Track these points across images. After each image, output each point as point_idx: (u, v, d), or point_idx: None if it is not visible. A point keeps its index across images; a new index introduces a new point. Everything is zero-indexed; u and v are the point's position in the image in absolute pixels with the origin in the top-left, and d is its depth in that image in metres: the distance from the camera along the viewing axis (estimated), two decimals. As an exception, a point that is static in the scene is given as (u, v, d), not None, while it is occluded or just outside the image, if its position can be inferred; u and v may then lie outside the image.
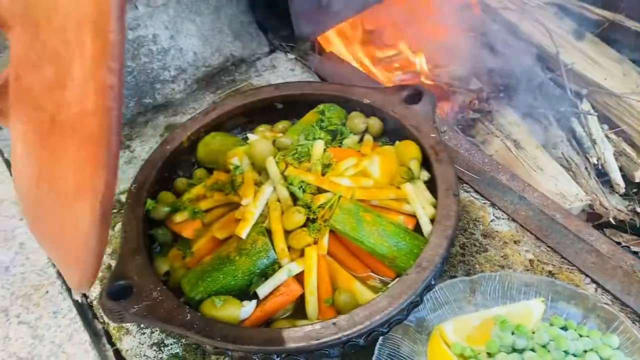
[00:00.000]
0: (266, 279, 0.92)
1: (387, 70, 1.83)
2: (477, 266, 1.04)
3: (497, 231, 1.10)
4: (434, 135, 1.03)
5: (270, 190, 1.00)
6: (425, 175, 1.04)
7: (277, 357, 0.82)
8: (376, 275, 0.95)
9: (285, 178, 1.01)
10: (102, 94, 0.50)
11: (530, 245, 1.08)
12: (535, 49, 1.85)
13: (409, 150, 1.04)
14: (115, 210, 1.24)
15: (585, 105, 1.74)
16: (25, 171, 0.68)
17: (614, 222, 1.49)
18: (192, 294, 0.90)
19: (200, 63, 1.51)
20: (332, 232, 0.96)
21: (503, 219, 1.12)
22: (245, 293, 0.92)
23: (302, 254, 0.94)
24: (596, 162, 1.63)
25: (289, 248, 0.95)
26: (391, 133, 1.13)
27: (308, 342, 0.80)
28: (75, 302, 1.17)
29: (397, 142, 1.09)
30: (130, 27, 1.39)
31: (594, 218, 1.51)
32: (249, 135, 1.18)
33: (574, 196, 1.48)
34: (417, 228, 0.98)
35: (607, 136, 1.68)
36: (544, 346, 0.83)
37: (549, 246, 1.07)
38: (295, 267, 0.92)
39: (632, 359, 0.83)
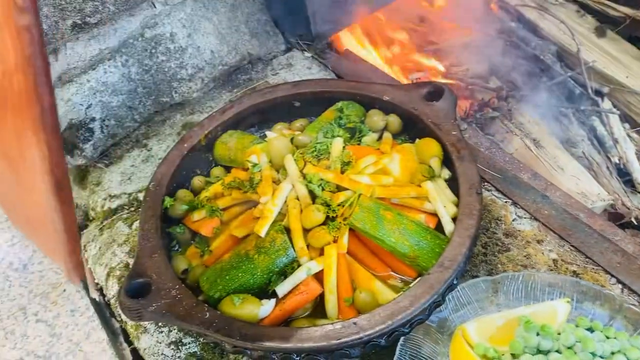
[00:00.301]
0: (285, 277, 0.91)
1: (404, 69, 1.81)
2: (499, 266, 1.02)
3: (519, 230, 1.08)
4: (455, 132, 1.02)
5: (289, 188, 0.99)
6: (446, 173, 1.02)
7: (297, 356, 0.81)
8: (397, 275, 0.94)
9: (304, 176, 1.00)
10: (19, 40, 0.43)
11: (553, 245, 1.05)
12: (555, 47, 1.82)
13: (430, 148, 1.03)
14: (133, 209, 1.24)
15: (606, 104, 1.71)
16: None
17: (635, 223, 1.46)
18: (210, 292, 0.89)
19: (217, 61, 1.51)
20: (352, 231, 0.94)
21: (525, 218, 1.10)
22: (263, 292, 0.91)
23: (321, 252, 0.93)
24: (618, 162, 1.60)
25: (308, 246, 0.94)
26: (411, 130, 1.11)
27: (328, 342, 0.78)
28: (93, 301, 1.17)
29: (417, 140, 1.08)
30: (148, 25, 1.38)
31: (615, 218, 1.48)
32: (266, 133, 1.17)
33: (596, 196, 1.45)
34: (438, 227, 0.96)
35: (628, 135, 1.65)
36: (570, 348, 0.81)
37: (572, 246, 1.05)
38: (314, 266, 0.91)
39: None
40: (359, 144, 1.09)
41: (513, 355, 0.82)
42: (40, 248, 0.71)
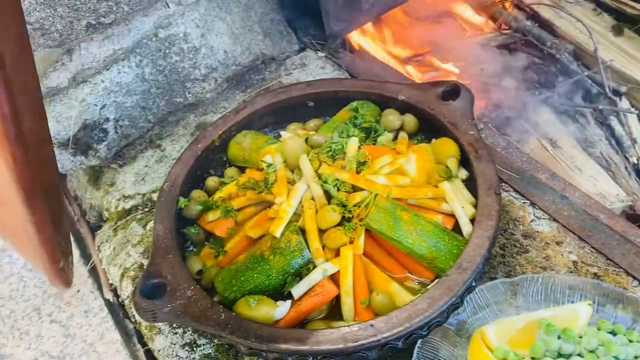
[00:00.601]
0: (301, 278, 0.90)
1: (418, 68, 1.80)
2: (517, 267, 1.01)
3: (538, 231, 1.06)
4: (472, 132, 1.00)
5: (304, 189, 0.98)
6: (463, 173, 1.01)
7: (313, 359, 0.80)
8: (414, 277, 0.93)
9: (319, 176, 0.99)
10: None
11: (573, 246, 1.03)
12: (572, 46, 1.80)
13: (447, 148, 1.01)
14: (147, 209, 1.24)
15: (624, 103, 1.68)
16: None
17: (656, 224, 1.44)
18: (225, 293, 0.89)
19: (231, 62, 1.50)
20: (368, 232, 0.93)
21: (544, 219, 1.08)
22: (279, 293, 0.91)
23: (337, 253, 0.92)
24: (636, 162, 1.57)
25: (324, 247, 0.93)
26: (427, 130, 1.10)
27: (345, 344, 0.77)
28: (107, 301, 1.17)
29: (433, 140, 1.06)
30: (162, 25, 1.38)
31: (634, 219, 1.45)
32: (281, 133, 1.16)
33: (615, 197, 1.43)
34: (455, 228, 0.95)
35: (647, 135, 1.63)
36: (592, 351, 0.79)
37: (593, 247, 1.03)
38: (330, 267, 0.90)
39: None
40: (374, 144, 1.08)
41: (533, 358, 0.80)
42: (22, 256, 0.69)
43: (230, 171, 1.12)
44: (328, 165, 1.01)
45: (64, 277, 0.66)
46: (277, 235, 0.92)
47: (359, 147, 1.04)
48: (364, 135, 1.08)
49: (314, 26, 1.64)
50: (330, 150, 1.03)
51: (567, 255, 1.02)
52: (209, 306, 0.83)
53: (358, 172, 1.00)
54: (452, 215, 0.96)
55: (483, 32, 1.88)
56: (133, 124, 1.40)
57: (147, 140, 1.41)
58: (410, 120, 1.10)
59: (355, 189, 0.98)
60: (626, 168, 1.56)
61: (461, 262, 0.83)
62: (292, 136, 1.08)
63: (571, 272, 0.99)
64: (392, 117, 1.10)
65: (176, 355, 0.98)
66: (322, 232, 0.94)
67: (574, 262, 1.01)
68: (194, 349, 0.99)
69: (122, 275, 1.13)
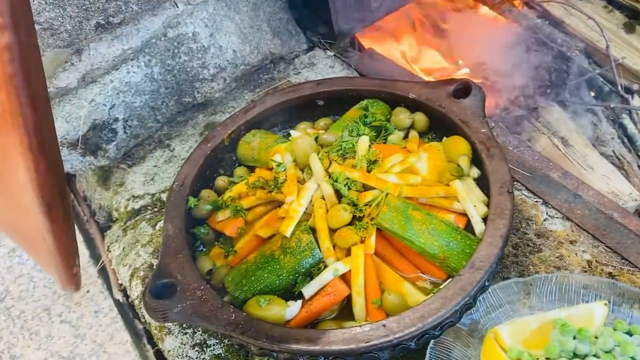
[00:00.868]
0: (311, 278, 0.89)
1: (427, 67, 1.79)
2: (531, 267, 0.99)
3: (551, 230, 1.05)
4: (484, 130, 0.99)
5: (315, 188, 0.97)
6: (475, 172, 0.99)
7: (324, 359, 0.79)
8: (426, 276, 0.92)
9: (329, 175, 0.98)
10: (0, 59, 0.41)
11: (587, 246, 1.02)
12: (583, 44, 1.78)
13: (458, 147, 1.00)
14: (156, 209, 1.24)
15: (636, 101, 1.66)
16: None
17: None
18: (236, 293, 0.88)
19: (240, 61, 1.50)
20: (379, 231, 0.92)
21: (557, 217, 1.07)
22: (289, 293, 0.90)
23: (348, 253, 0.91)
24: (650, 160, 1.56)
25: (335, 247, 0.92)
26: (438, 129, 1.09)
27: (357, 345, 0.76)
28: (116, 302, 1.16)
29: (444, 138, 1.05)
30: (171, 25, 1.38)
31: (647, 218, 1.44)
32: (290, 132, 1.15)
33: (628, 195, 1.41)
34: (467, 227, 0.94)
35: (660, 133, 1.61)
36: (608, 352, 0.78)
37: (607, 246, 1.01)
38: (341, 267, 0.89)
39: None
40: (384, 143, 1.07)
41: (548, 359, 0.79)
42: (35, 260, 0.69)
43: (239, 170, 1.12)
44: (338, 164, 1.00)
45: (76, 281, 0.66)
46: (288, 234, 0.91)
47: (370, 145, 1.03)
48: (374, 134, 1.08)
49: (323, 25, 1.63)
50: (341, 149, 1.02)
51: (581, 254, 1.01)
52: (220, 306, 0.82)
53: (369, 171, 0.99)
54: (464, 214, 0.95)
55: (494, 30, 1.86)
56: (142, 124, 1.40)
57: (156, 140, 1.41)
58: (420, 118, 1.09)
59: (366, 188, 0.97)
60: (639, 166, 1.54)
61: (474, 262, 0.82)
62: (301, 135, 1.08)
63: (585, 271, 0.98)
64: (402, 116, 1.09)
65: (186, 356, 0.98)
66: (332, 231, 0.93)
67: (588, 262, 0.99)
68: (204, 349, 0.98)
69: (132, 276, 1.13)
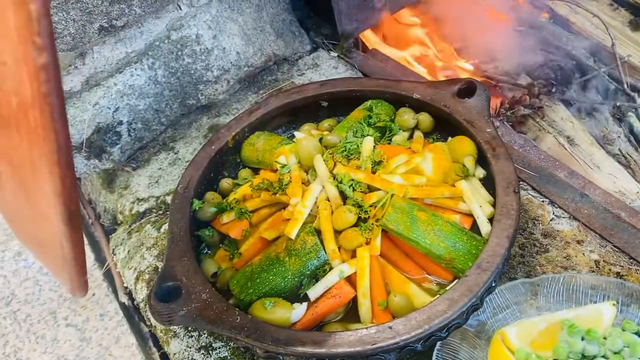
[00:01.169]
0: (317, 280, 0.89)
1: (431, 67, 1.78)
2: (537, 267, 0.99)
3: (558, 230, 1.04)
4: (489, 130, 0.99)
5: (319, 189, 0.97)
6: (480, 172, 0.99)
7: (331, 362, 0.79)
8: (432, 278, 0.91)
9: (334, 176, 0.98)
10: (36, 78, 0.43)
11: (594, 245, 1.01)
12: (588, 42, 1.77)
13: (463, 147, 1.00)
14: (161, 212, 1.23)
15: (643, 99, 1.65)
16: None
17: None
18: (241, 295, 0.88)
19: (243, 63, 1.49)
20: (385, 232, 0.92)
21: (564, 217, 1.06)
22: (295, 295, 0.89)
23: (353, 254, 0.91)
24: (657, 159, 1.54)
25: (340, 249, 0.92)
26: (443, 129, 1.08)
27: (363, 347, 0.76)
28: (122, 305, 1.16)
29: (449, 138, 1.05)
30: (174, 27, 1.38)
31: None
32: (294, 133, 1.15)
33: (635, 194, 1.40)
34: (473, 228, 0.93)
35: (667, 131, 1.59)
36: (617, 353, 0.77)
37: (615, 246, 1.00)
38: (347, 269, 0.89)
39: None
40: (389, 143, 1.07)
41: (556, 360, 0.79)
42: (46, 266, 0.71)
43: (244, 172, 1.12)
44: (343, 165, 0.99)
45: (86, 287, 0.66)
46: (293, 236, 0.91)
47: (374, 146, 1.02)
48: (378, 134, 1.07)
49: (326, 26, 1.63)
50: (345, 150, 1.02)
51: (588, 254, 1.00)
52: (225, 309, 0.82)
53: (373, 172, 0.98)
54: (470, 215, 0.94)
55: (499, 29, 1.85)
56: (146, 127, 1.40)
57: (161, 142, 1.41)
58: (425, 118, 1.08)
59: (371, 189, 0.96)
60: (646, 165, 1.53)
61: (480, 263, 0.82)
62: (306, 136, 1.07)
63: (593, 271, 0.97)
64: (407, 116, 1.09)
65: (192, 359, 0.97)
66: (338, 233, 0.93)
67: (596, 262, 0.99)
68: (210, 352, 0.98)
69: (137, 279, 1.13)
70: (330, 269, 0.90)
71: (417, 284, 0.89)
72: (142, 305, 1.11)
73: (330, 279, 0.88)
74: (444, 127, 1.07)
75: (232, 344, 0.98)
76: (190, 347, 0.99)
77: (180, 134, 1.42)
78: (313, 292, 0.87)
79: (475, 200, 0.94)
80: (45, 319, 1.15)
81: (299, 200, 0.95)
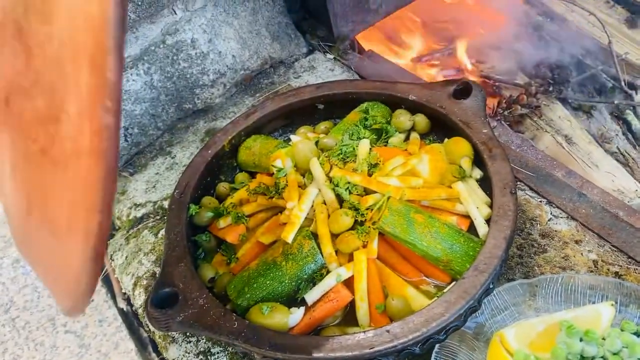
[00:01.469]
0: (314, 284, 0.89)
1: (428, 68, 1.78)
2: (536, 268, 0.98)
3: (556, 230, 1.04)
4: (486, 130, 0.98)
5: (316, 193, 0.96)
6: (477, 173, 0.99)
7: (329, 366, 0.78)
8: (430, 280, 0.91)
9: (330, 179, 0.98)
10: (98, 134, 0.47)
11: (593, 245, 1.01)
12: (585, 40, 1.77)
13: (459, 148, 0.99)
14: (158, 217, 1.23)
15: (640, 97, 1.65)
16: (14, 197, 0.65)
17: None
18: (238, 300, 0.87)
19: (239, 66, 1.49)
20: (382, 235, 0.91)
21: (562, 217, 1.06)
22: (292, 299, 0.89)
23: (350, 258, 0.91)
24: (655, 156, 1.54)
25: (337, 252, 0.91)
26: (439, 130, 1.08)
27: (361, 351, 0.76)
28: (120, 311, 1.16)
29: (446, 140, 1.05)
30: (169, 32, 1.37)
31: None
32: (291, 136, 1.15)
33: (634, 192, 1.40)
34: (470, 229, 0.93)
35: (665, 128, 1.59)
36: (616, 354, 0.77)
37: (613, 246, 1.00)
38: (344, 272, 0.88)
39: None
40: (385, 146, 1.06)
41: (555, 362, 0.78)
42: (49, 289, 0.72)
43: (240, 177, 1.11)
44: (339, 168, 0.99)
45: (84, 309, 0.68)
46: (289, 240, 0.91)
47: (370, 149, 1.02)
48: (374, 136, 1.07)
49: (322, 28, 1.63)
50: (341, 153, 1.02)
51: (586, 254, 1.00)
52: (222, 314, 0.82)
53: (370, 175, 0.98)
54: (467, 216, 0.94)
55: (493, 28, 1.85)
56: (143, 132, 1.40)
57: (157, 147, 1.41)
58: (421, 120, 1.08)
59: (367, 191, 0.96)
60: (644, 163, 1.53)
61: (478, 264, 0.81)
62: (302, 139, 1.07)
63: (591, 271, 0.97)
64: (403, 118, 1.09)
65: (190, 364, 0.97)
66: (334, 236, 0.92)
67: (594, 262, 0.98)
68: (208, 357, 0.98)
69: (135, 284, 1.13)
70: (328, 272, 0.89)
71: (414, 287, 0.89)
72: (140, 310, 1.11)
73: (327, 283, 0.87)
74: (440, 128, 1.07)
75: (230, 349, 0.98)
76: (188, 353, 0.99)
77: (177, 139, 1.42)
78: (310, 296, 0.87)
79: (472, 201, 0.93)
80: (44, 326, 1.15)
81: (295, 204, 0.95)
